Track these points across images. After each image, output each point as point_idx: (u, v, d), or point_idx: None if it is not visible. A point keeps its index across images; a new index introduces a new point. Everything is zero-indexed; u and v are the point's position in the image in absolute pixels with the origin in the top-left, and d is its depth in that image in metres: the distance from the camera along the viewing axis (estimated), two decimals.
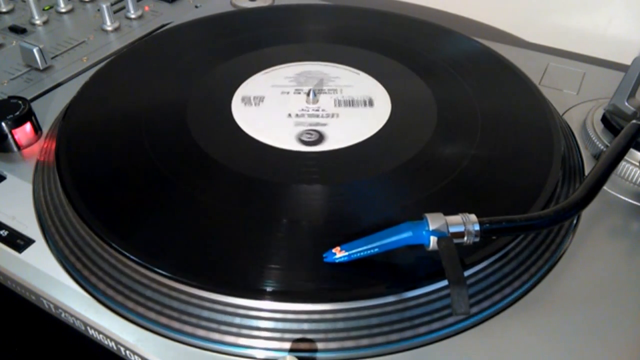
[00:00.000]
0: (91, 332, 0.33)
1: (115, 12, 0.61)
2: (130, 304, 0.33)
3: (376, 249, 0.31)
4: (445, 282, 0.31)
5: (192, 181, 0.38)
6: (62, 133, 0.42)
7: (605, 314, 0.33)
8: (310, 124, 0.43)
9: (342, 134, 0.42)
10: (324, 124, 0.43)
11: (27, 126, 0.44)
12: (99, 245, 0.35)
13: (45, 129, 0.46)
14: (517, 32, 0.66)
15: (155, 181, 0.38)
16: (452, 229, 0.30)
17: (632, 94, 0.42)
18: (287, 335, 0.30)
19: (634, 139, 0.38)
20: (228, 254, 0.33)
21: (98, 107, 0.46)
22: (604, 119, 0.43)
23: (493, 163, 0.40)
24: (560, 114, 0.47)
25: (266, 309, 0.31)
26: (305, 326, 0.31)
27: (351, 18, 0.58)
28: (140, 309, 0.32)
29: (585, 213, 0.38)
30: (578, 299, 0.33)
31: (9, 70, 0.53)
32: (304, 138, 0.42)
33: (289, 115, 0.44)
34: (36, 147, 0.44)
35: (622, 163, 0.41)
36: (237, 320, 0.31)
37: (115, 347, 0.33)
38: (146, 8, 0.64)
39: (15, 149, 0.44)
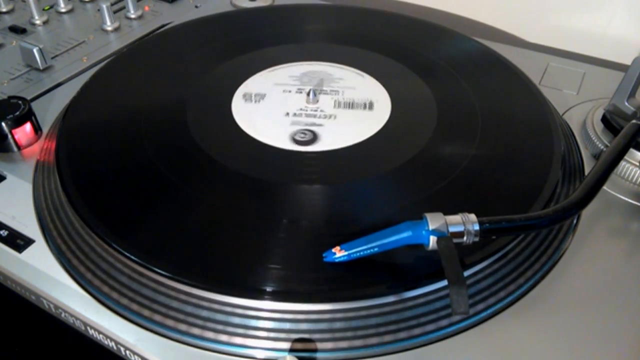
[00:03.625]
0: (91, 332, 0.33)
1: (115, 12, 0.61)
2: (130, 304, 0.33)
3: (376, 249, 0.31)
4: (445, 282, 0.31)
5: (192, 181, 0.38)
6: (62, 133, 0.42)
7: (605, 314, 0.33)
8: (310, 124, 0.43)
9: (342, 134, 0.42)
10: (323, 124, 0.43)
11: (27, 126, 0.44)
12: (99, 245, 0.35)
13: (45, 129, 0.46)
14: (517, 32, 0.66)
15: (155, 181, 0.38)
16: (452, 229, 0.30)
17: (632, 94, 0.42)
18: (286, 335, 0.30)
19: (633, 139, 0.39)
20: (228, 254, 0.33)
21: (98, 107, 0.46)
22: (604, 119, 0.43)
23: (493, 163, 0.40)
24: (560, 114, 0.47)
25: (266, 308, 0.31)
26: (305, 326, 0.31)
27: (351, 18, 0.58)
28: (140, 309, 0.32)
29: (585, 213, 0.38)
30: (578, 299, 0.33)
31: (9, 70, 0.53)
32: (298, 138, 0.42)
33: (289, 115, 0.44)
34: (36, 147, 0.44)
35: (622, 163, 0.41)
36: (237, 320, 0.31)
37: (115, 347, 0.33)
38: (146, 8, 0.64)
39: (15, 149, 0.44)
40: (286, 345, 0.30)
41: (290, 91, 0.47)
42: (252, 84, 0.48)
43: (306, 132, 0.42)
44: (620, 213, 0.39)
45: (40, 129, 0.45)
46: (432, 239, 0.30)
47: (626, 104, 0.42)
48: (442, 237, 0.30)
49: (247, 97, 0.46)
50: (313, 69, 0.50)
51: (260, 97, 0.46)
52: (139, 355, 0.32)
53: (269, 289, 0.31)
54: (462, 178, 0.38)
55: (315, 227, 0.35)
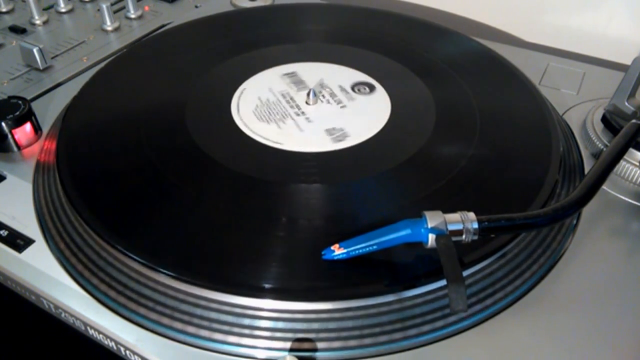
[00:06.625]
0: (91, 332, 0.33)
1: (115, 12, 0.61)
2: (130, 304, 0.33)
3: (375, 247, 0.31)
4: (444, 281, 0.31)
5: (192, 181, 0.38)
6: (62, 133, 0.42)
7: (605, 314, 0.33)
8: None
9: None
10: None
11: (27, 126, 0.44)
12: (99, 245, 0.35)
13: (45, 129, 0.46)
14: (517, 32, 0.66)
15: (155, 181, 0.38)
16: (451, 227, 0.30)
17: (632, 94, 0.42)
18: (286, 335, 0.30)
19: (633, 139, 0.38)
20: (227, 253, 0.33)
21: (98, 107, 0.46)
22: (604, 119, 0.43)
23: (492, 162, 0.40)
24: (560, 114, 0.47)
25: (265, 308, 0.31)
26: (304, 325, 0.31)
27: (351, 18, 0.58)
28: (140, 309, 0.32)
29: (585, 213, 0.38)
30: (578, 299, 0.33)
31: (9, 70, 0.53)
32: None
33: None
34: (36, 147, 0.44)
35: (622, 163, 0.41)
36: (237, 319, 0.31)
37: (115, 347, 0.33)
38: (146, 8, 0.64)
39: (15, 149, 0.44)
40: (286, 345, 0.30)
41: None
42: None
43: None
44: (620, 213, 0.39)
45: (40, 129, 0.45)
46: (431, 237, 0.30)
47: (626, 104, 0.42)
48: (441, 235, 0.30)
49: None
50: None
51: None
52: (139, 355, 0.32)
53: (268, 287, 0.31)
54: (461, 177, 0.38)
55: (315, 225, 0.35)
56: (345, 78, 0.49)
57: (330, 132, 0.42)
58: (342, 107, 0.45)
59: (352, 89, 0.47)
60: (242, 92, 0.47)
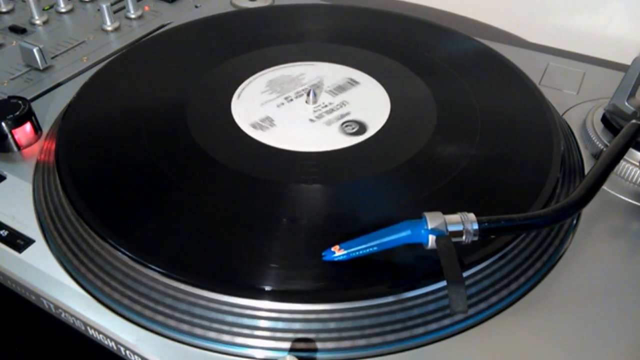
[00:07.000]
0: (91, 332, 0.33)
1: (115, 12, 0.61)
2: (131, 304, 0.33)
3: (375, 248, 0.31)
4: (444, 282, 0.31)
5: (192, 181, 0.38)
6: (62, 133, 0.42)
7: (605, 314, 0.33)
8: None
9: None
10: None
11: (27, 126, 0.44)
12: (99, 245, 0.35)
13: (45, 129, 0.46)
14: (517, 32, 0.66)
15: (156, 181, 0.38)
16: (451, 228, 0.30)
17: (632, 94, 0.42)
18: (286, 335, 0.30)
19: (633, 139, 0.38)
20: (228, 254, 0.33)
21: (98, 107, 0.46)
22: (604, 119, 0.43)
23: (493, 163, 0.40)
24: (560, 114, 0.47)
25: (265, 308, 0.31)
26: (304, 326, 0.31)
27: (351, 18, 0.58)
28: (141, 309, 0.32)
29: (585, 213, 0.38)
30: (578, 299, 0.33)
31: (9, 70, 0.53)
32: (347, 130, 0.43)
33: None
34: (36, 147, 0.44)
35: (622, 163, 0.41)
36: (237, 319, 0.31)
37: (115, 347, 0.33)
38: (146, 8, 0.64)
39: (15, 149, 0.44)
40: (286, 345, 0.30)
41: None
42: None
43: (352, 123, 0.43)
44: (620, 213, 0.39)
45: (40, 129, 0.45)
46: (431, 238, 0.30)
47: (626, 104, 0.42)
48: (441, 236, 0.30)
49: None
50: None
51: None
52: (139, 355, 0.32)
53: (268, 288, 0.31)
54: (461, 178, 0.38)
55: (315, 226, 0.35)
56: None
57: (263, 120, 0.43)
58: (311, 120, 0.44)
59: (343, 124, 0.43)
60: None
